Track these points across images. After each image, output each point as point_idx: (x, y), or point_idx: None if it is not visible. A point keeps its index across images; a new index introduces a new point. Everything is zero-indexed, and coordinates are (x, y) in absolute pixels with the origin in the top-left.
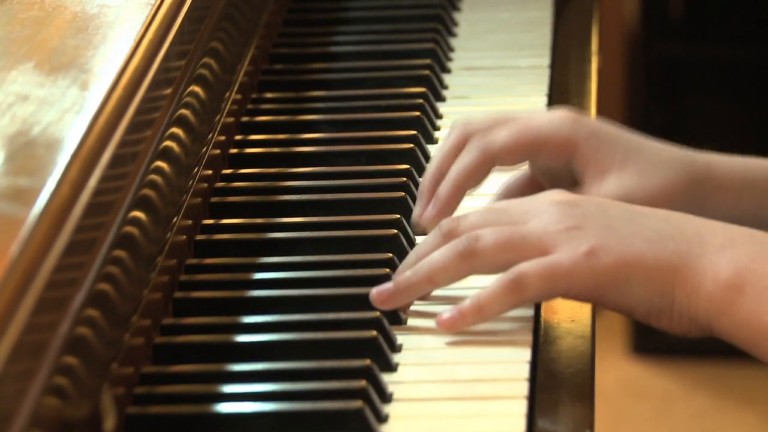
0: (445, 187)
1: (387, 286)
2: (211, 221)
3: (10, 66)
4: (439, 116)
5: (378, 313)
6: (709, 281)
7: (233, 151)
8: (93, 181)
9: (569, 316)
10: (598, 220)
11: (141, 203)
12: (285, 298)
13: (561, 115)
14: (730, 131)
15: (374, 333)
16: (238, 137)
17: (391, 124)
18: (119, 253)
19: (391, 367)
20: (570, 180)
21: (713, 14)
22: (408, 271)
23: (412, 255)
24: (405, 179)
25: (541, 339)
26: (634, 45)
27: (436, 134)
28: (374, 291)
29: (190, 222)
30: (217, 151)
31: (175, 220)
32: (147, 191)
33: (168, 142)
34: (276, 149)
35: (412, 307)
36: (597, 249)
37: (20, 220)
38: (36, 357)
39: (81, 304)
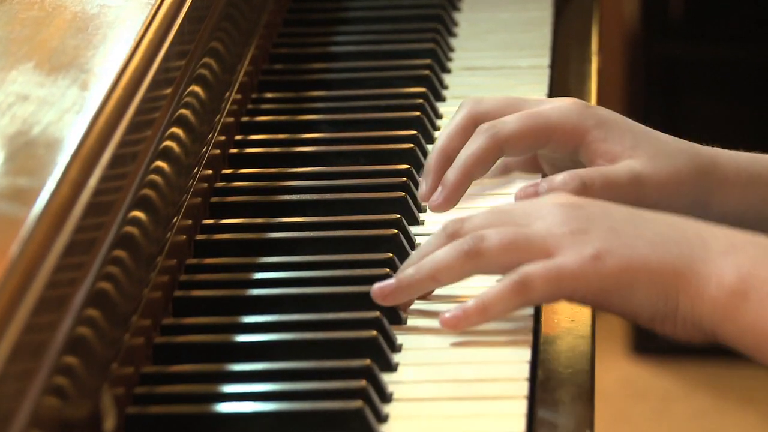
0: (452, 174)
1: (389, 282)
2: (211, 221)
3: (10, 66)
4: (439, 116)
5: (378, 313)
6: (713, 286)
7: (233, 151)
8: (93, 181)
9: (569, 316)
10: (602, 223)
11: (141, 203)
12: (285, 298)
13: (569, 102)
14: (730, 131)
15: (374, 333)
16: (238, 137)
17: (391, 124)
18: (119, 253)
19: (391, 367)
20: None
21: (713, 14)
22: (411, 268)
23: (415, 254)
24: (405, 179)
25: (541, 339)
26: (634, 45)
27: (436, 134)
28: (376, 287)
29: (190, 222)
30: (217, 151)
31: (175, 220)
32: (147, 191)
33: (168, 142)
34: (276, 149)
35: (412, 307)
36: (602, 253)
37: (20, 220)
38: (36, 357)
39: (81, 304)
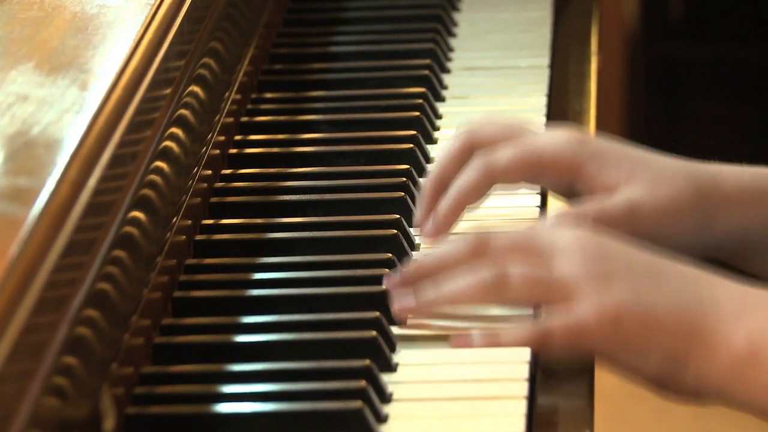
0: (445, 204)
1: (409, 302)
2: (210, 221)
3: (10, 66)
4: (439, 116)
5: (378, 313)
6: (723, 352)
7: (233, 151)
8: (92, 181)
9: None
10: (623, 275)
11: (141, 203)
12: (285, 298)
13: (565, 136)
14: (730, 131)
15: (374, 333)
16: (237, 137)
17: (391, 124)
18: (119, 253)
19: (391, 368)
20: (573, 197)
21: (713, 14)
22: (431, 291)
23: (434, 259)
24: (405, 179)
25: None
26: (634, 45)
27: (436, 134)
28: (396, 306)
29: (189, 222)
30: (217, 151)
31: (174, 220)
32: (146, 191)
33: (167, 142)
34: (275, 149)
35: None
36: (621, 312)
37: (20, 220)
38: (36, 357)
39: (81, 304)
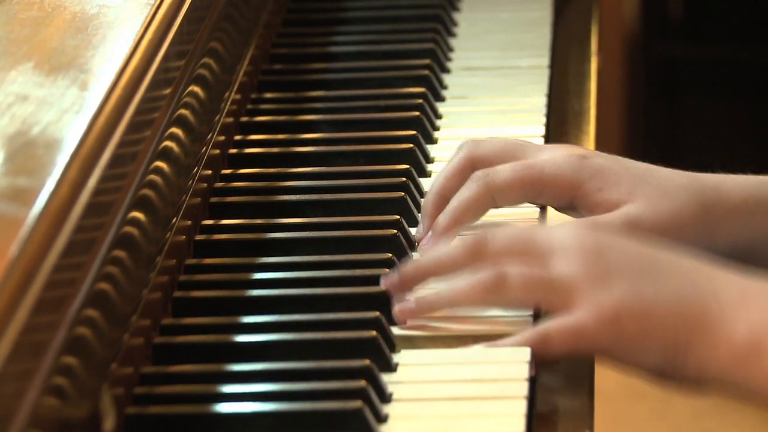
0: (443, 220)
1: (409, 305)
2: (210, 221)
3: (10, 66)
4: (439, 116)
5: (378, 313)
6: (723, 345)
7: (233, 151)
8: (92, 182)
9: None
10: (622, 272)
11: (140, 203)
12: (285, 298)
13: (565, 154)
14: (730, 131)
15: (374, 333)
16: (237, 137)
17: (391, 124)
18: (119, 253)
19: (391, 367)
20: (574, 215)
21: (713, 14)
22: (431, 294)
23: (432, 260)
24: (404, 179)
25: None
26: (633, 45)
27: (436, 134)
28: (397, 309)
29: (189, 222)
30: (217, 151)
31: (174, 220)
32: (146, 191)
33: (167, 143)
34: (275, 149)
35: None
36: (620, 312)
37: (20, 220)
38: (35, 357)
39: (80, 304)
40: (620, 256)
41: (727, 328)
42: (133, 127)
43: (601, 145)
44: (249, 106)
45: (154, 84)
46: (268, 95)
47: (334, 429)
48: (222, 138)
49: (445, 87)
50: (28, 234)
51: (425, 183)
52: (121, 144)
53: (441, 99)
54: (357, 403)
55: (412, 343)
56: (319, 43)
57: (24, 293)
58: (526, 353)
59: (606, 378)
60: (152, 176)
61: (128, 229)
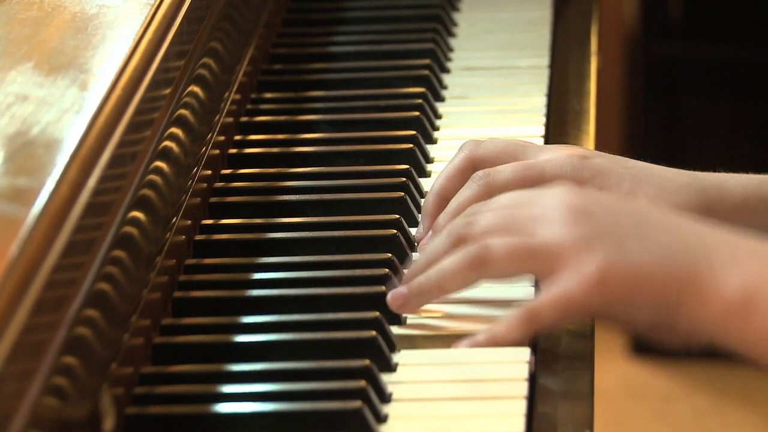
0: (443, 220)
1: (401, 290)
2: (210, 221)
3: (10, 66)
4: (439, 116)
5: (377, 314)
6: (715, 299)
7: (232, 151)
8: (92, 182)
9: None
10: (607, 232)
11: (140, 203)
12: (284, 298)
13: (566, 154)
14: (730, 131)
15: (373, 333)
16: (237, 137)
17: (391, 124)
18: (118, 253)
19: (391, 368)
20: None
21: (712, 14)
22: (420, 276)
23: (423, 257)
24: (404, 179)
25: (540, 339)
26: (633, 45)
27: (435, 134)
28: (390, 296)
29: (189, 222)
30: (217, 151)
31: (174, 220)
32: (146, 191)
33: (167, 143)
34: (275, 149)
35: None
36: (607, 272)
37: (20, 220)
38: (35, 357)
39: (80, 304)
40: (607, 216)
41: (718, 284)
42: (133, 127)
43: (601, 145)
44: (249, 106)
45: (154, 84)
46: (268, 95)
47: (333, 429)
48: (222, 138)
49: (444, 87)
50: (28, 234)
51: (425, 183)
52: (121, 144)
53: (441, 99)
54: (357, 403)
55: (412, 342)
56: (319, 43)
57: (24, 293)
58: (525, 353)
59: (606, 378)
60: (152, 176)
61: (128, 229)
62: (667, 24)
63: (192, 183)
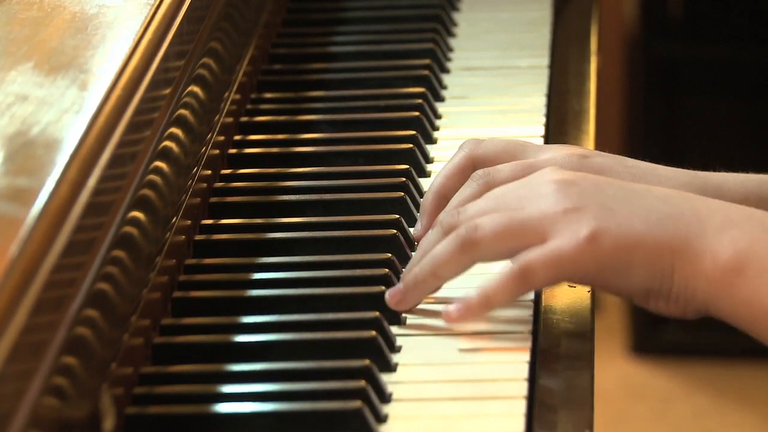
0: (443, 217)
1: (398, 287)
2: (210, 221)
3: (10, 66)
4: (438, 116)
5: (377, 314)
6: (708, 263)
7: (232, 151)
8: (92, 182)
9: (568, 316)
10: (595, 200)
11: (140, 203)
12: (284, 298)
13: (566, 154)
14: (730, 131)
15: (373, 333)
16: (237, 137)
17: (390, 124)
18: (118, 253)
19: (391, 368)
20: None
21: (712, 14)
22: (415, 268)
23: (417, 253)
24: (404, 179)
25: (539, 339)
26: (633, 45)
27: (435, 134)
28: (387, 294)
29: (189, 222)
30: (216, 151)
31: (174, 220)
32: (146, 191)
33: (167, 143)
34: (275, 149)
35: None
36: (597, 233)
37: (19, 220)
38: (35, 357)
39: (80, 304)
40: (595, 187)
41: (712, 248)
42: (133, 127)
43: (601, 145)
44: (249, 106)
45: (154, 84)
46: (268, 95)
47: (333, 429)
48: (222, 138)
49: (444, 87)
50: (28, 234)
51: (425, 183)
52: (121, 144)
53: (441, 99)
54: (356, 403)
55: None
56: (318, 43)
57: (24, 293)
58: (525, 354)
59: (606, 378)
60: (152, 176)
61: (128, 229)
62: (667, 24)
63: (192, 183)
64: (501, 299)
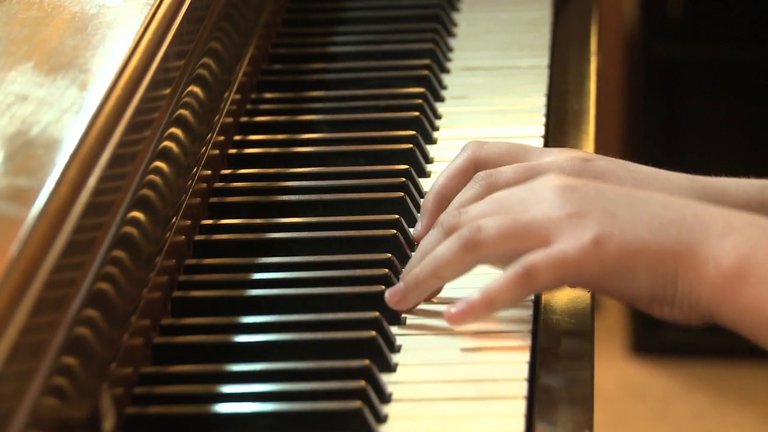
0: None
1: (398, 286)
2: (210, 221)
3: (10, 66)
4: (438, 116)
5: (377, 314)
6: (711, 269)
7: (232, 151)
8: (92, 182)
9: (568, 316)
10: (598, 205)
11: (140, 203)
12: (284, 299)
13: (568, 157)
14: (729, 131)
15: (373, 333)
16: (237, 137)
17: (390, 124)
18: (118, 253)
19: (390, 368)
20: None
21: (712, 14)
22: (416, 268)
23: (417, 253)
24: (404, 179)
25: (539, 339)
26: (633, 45)
27: (435, 134)
28: (387, 293)
29: (189, 222)
30: (216, 152)
31: (174, 220)
32: (146, 191)
33: (167, 143)
34: (275, 149)
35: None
36: (602, 238)
37: (19, 220)
38: (35, 357)
39: (80, 304)
40: (597, 193)
41: (714, 254)
42: (133, 127)
43: (601, 144)
44: (248, 106)
45: (154, 84)
46: (268, 95)
47: (333, 429)
48: (221, 138)
49: (444, 87)
50: (28, 234)
51: (425, 183)
52: (121, 144)
53: (440, 99)
54: (356, 404)
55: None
56: (318, 43)
57: (24, 293)
58: (525, 354)
59: (606, 378)
60: (152, 176)
61: (128, 229)
62: (667, 24)
63: (192, 183)
64: (503, 301)
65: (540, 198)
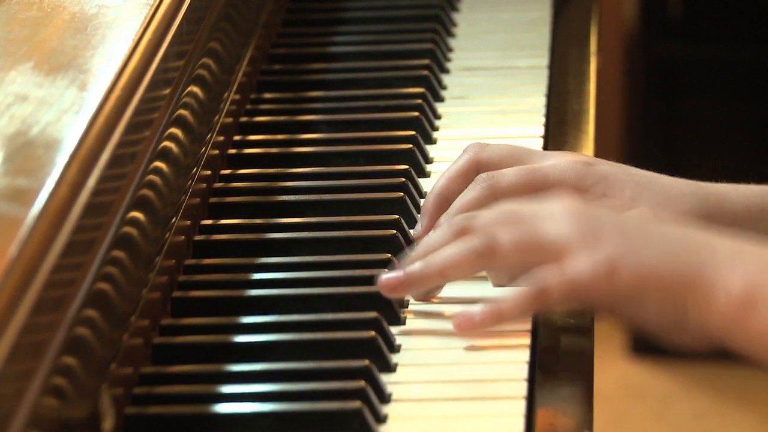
0: (445, 219)
1: (396, 274)
2: (209, 221)
3: (9, 66)
4: (438, 116)
5: (377, 314)
6: (721, 297)
7: (232, 151)
8: (92, 182)
9: (569, 316)
10: (612, 229)
11: (140, 204)
12: (284, 299)
13: (569, 160)
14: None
15: (373, 333)
16: (236, 138)
17: (390, 124)
18: (118, 253)
19: (390, 368)
20: None
21: (712, 14)
22: (419, 262)
23: (420, 248)
24: (404, 180)
25: (539, 339)
26: (633, 45)
27: (435, 134)
28: (382, 278)
29: (188, 222)
30: (216, 152)
31: (173, 220)
32: (146, 192)
33: (167, 143)
34: (275, 150)
35: (411, 307)
36: (615, 263)
37: (19, 220)
38: (35, 357)
39: (80, 304)
40: (610, 220)
41: (725, 283)
42: (133, 127)
43: (601, 145)
44: (248, 107)
45: (154, 84)
46: (268, 95)
47: (333, 429)
48: (221, 138)
49: (444, 87)
50: (28, 234)
51: (424, 183)
52: (121, 144)
53: (440, 99)
54: (356, 404)
55: (412, 342)
56: (318, 43)
57: (24, 293)
58: (524, 354)
59: (606, 378)
60: (151, 176)
61: (127, 229)
62: (666, 24)
63: (191, 183)
64: (513, 316)
65: (555, 217)
